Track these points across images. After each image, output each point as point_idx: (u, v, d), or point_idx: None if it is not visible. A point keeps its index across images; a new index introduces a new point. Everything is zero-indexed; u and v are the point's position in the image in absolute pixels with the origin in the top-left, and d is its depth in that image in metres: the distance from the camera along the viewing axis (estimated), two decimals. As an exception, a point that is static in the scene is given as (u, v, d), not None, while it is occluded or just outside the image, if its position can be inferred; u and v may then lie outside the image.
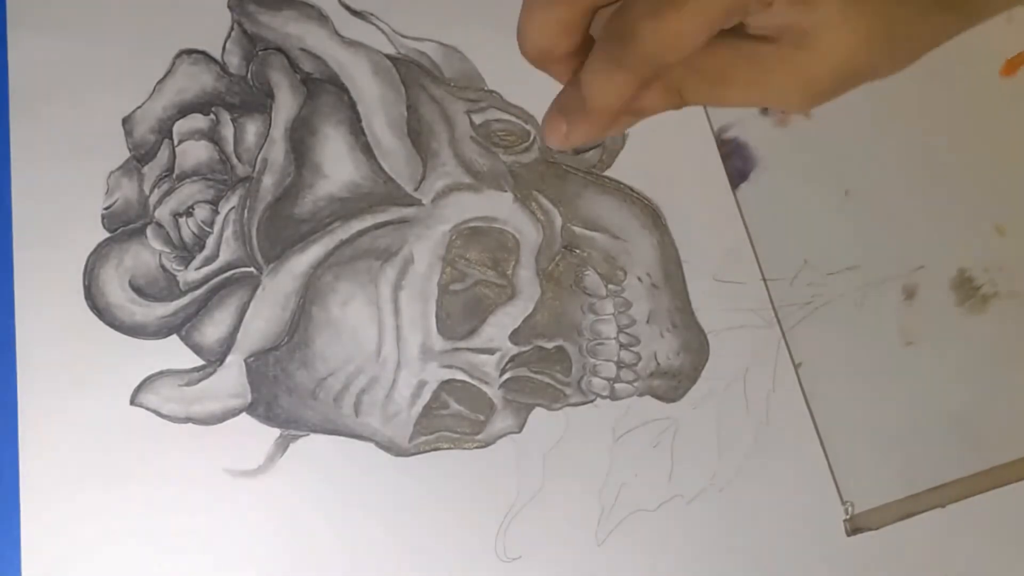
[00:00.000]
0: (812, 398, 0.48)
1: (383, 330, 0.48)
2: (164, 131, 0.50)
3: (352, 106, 0.51)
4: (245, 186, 0.49)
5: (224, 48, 0.51)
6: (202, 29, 0.51)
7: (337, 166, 0.50)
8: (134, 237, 0.49)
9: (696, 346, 0.49)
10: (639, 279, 0.50)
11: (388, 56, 0.52)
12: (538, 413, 0.48)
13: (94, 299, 0.48)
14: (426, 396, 0.47)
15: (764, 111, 0.52)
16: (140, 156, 0.50)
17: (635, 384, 0.48)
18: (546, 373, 0.48)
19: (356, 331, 0.48)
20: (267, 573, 0.45)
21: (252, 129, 0.50)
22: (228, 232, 0.49)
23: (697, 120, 0.52)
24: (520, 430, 0.47)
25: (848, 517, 0.46)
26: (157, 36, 0.51)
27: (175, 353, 0.47)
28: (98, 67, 0.51)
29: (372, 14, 0.52)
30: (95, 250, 0.48)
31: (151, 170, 0.49)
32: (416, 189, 0.50)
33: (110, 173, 0.49)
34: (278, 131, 0.50)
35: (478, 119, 0.51)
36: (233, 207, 0.49)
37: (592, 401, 0.48)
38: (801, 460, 0.47)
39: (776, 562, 0.46)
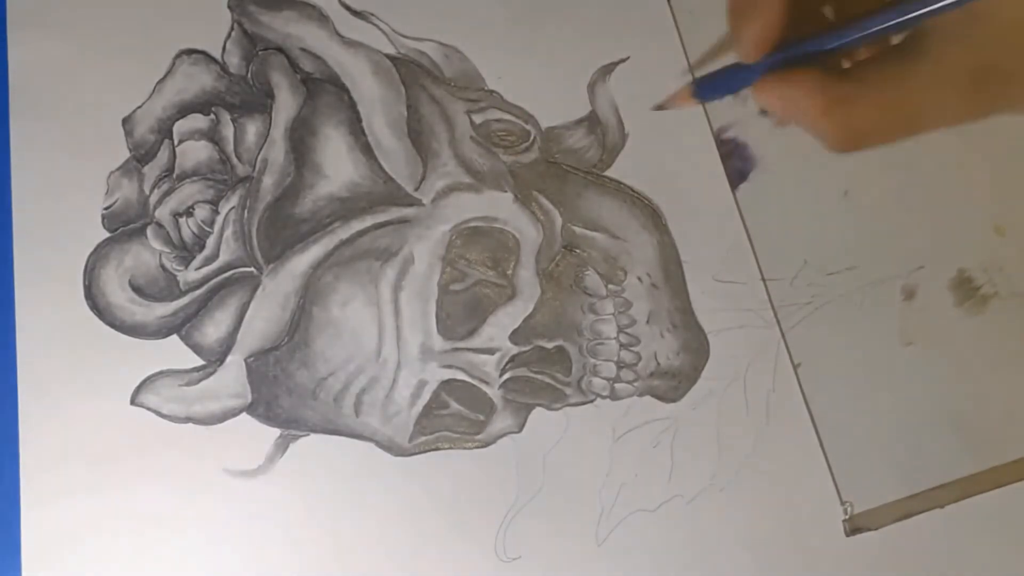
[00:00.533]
0: (812, 398, 0.48)
1: (383, 330, 0.48)
2: (164, 131, 0.50)
3: (352, 106, 0.51)
4: (245, 186, 0.49)
5: (224, 48, 0.51)
6: (202, 29, 0.51)
7: (337, 166, 0.50)
8: (134, 237, 0.49)
9: (696, 346, 0.49)
10: (639, 279, 0.50)
11: (388, 56, 0.52)
12: (538, 413, 0.48)
13: (94, 299, 0.48)
14: (426, 396, 0.47)
15: (763, 111, 0.52)
16: (140, 156, 0.50)
17: (635, 384, 0.48)
18: (546, 373, 0.48)
19: (356, 331, 0.48)
20: (267, 573, 0.45)
21: (252, 129, 0.50)
22: (228, 232, 0.49)
23: (697, 120, 0.52)
24: (520, 430, 0.47)
25: (847, 517, 0.46)
26: (157, 36, 0.51)
27: (175, 353, 0.47)
28: (98, 67, 0.51)
29: (372, 14, 0.52)
30: (95, 250, 0.48)
31: (151, 170, 0.49)
32: (416, 189, 0.50)
33: (110, 173, 0.49)
34: (278, 131, 0.50)
35: (478, 119, 0.51)
36: (233, 207, 0.49)
37: (592, 401, 0.48)
38: (801, 460, 0.47)
39: (776, 562, 0.46)
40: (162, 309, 0.48)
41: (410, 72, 0.52)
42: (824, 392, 0.48)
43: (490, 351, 0.48)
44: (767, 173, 0.51)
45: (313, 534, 0.45)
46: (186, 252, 0.49)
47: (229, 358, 0.47)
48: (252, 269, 0.48)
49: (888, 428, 0.48)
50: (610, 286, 0.49)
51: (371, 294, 0.48)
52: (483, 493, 0.46)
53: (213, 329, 0.48)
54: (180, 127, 0.50)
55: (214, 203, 0.49)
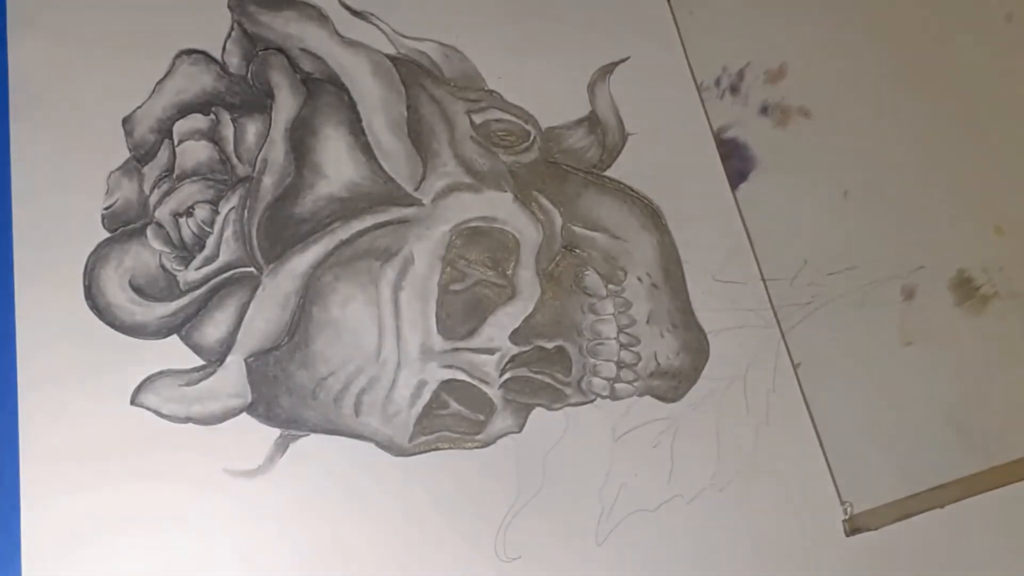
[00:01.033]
0: (811, 398, 0.48)
1: (383, 330, 0.48)
2: (164, 131, 0.50)
3: (352, 106, 0.51)
4: (245, 186, 0.49)
5: (224, 48, 0.51)
6: (202, 29, 0.51)
7: (337, 166, 0.50)
8: (134, 237, 0.49)
9: (696, 346, 0.49)
10: (639, 279, 0.50)
11: (388, 56, 0.52)
12: (538, 413, 0.48)
13: (94, 299, 0.48)
14: (426, 396, 0.47)
15: (763, 111, 0.52)
16: (140, 156, 0.50)
17: (635, 384, 0.48)
18: (546, 373, 0.48)
19: (356, 331, 0.48)
20: (267, 573, 0.45)
21: (252, 129, 0.50)
22: (228, 232, 0.49)
23: (697, 120, 0.52)
24: (520, 430, 0.47)
25: (847, 517, 0.46)
26: (157, 36, 0.51)
27: (175, 353, 0.47)
28: (98, 67, 0.51)
29: (372, 14, 0.52)
30: (95, 250, 0.48)
31: (151, 170, 0.49)
32: (416, 189, 0.50)
33: (110, 173, 0.49)
34: (278, 131, 0.50)
35: (478, 119, 0.51)
36: (233, 207, 0.49)
37: (592, 401, 0.48)
38: (800, 460, 0.47)
39: (775, 562, 0.46)
40: (162, 309, 0.48)
41: (410, 72, 0.52)
42: (824, 392, 0.48)
43: (490, 351, 0.48)
44: (767, 173, 0.51)
45: (313, 534, 0.45)
46: (186, 252, 0.49)
47: (229, 358, 0.47)
48: (252, 269, 0.48)
49: (888, 428, 0.48)
50: (610, 286, 0.49)
51: (371, 294, 0.48)
52: (483, 493, 0.46)
53: (213, 329, 0.48)
54: (180, 127, 0.50)
55: (214, 203, 0.49)
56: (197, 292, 0.48)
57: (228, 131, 0.50)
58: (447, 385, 0.47)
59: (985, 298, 0.49)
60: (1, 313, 0.47)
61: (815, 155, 0.52)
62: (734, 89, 0.52)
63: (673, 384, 0.48)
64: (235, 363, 0.47)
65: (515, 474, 0.47)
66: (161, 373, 0.47)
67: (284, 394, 0.47)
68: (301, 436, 0.46)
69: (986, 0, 0.52)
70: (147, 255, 0.49)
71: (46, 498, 0.45)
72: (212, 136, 0.50)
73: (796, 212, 0.51)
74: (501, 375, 0.48)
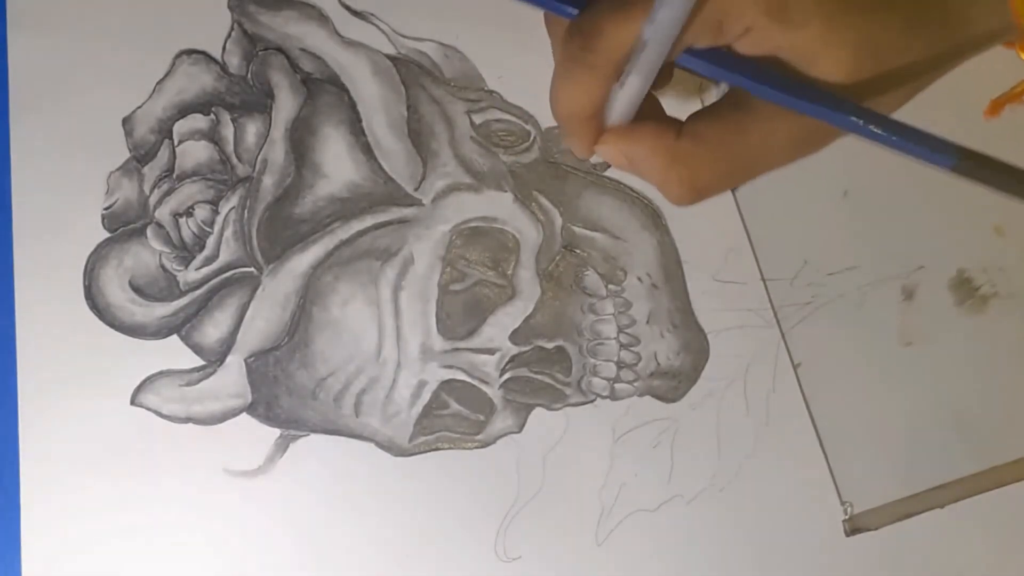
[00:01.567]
0: (811, 398, 0.48)
1: (383, 330, 0.48)
2: (164, 131, 0.50)
3: (352, 106, 0.51)
4: (245, 186, 0.49)
5: (224, 48, 0.51)
6: (202, 29, 0.51)
7: (337, 166, 0.50)
8: (134, 237, 0.49)
9: (696, 346, 0.49)
10: (639, 279, 0.50)
11: (388, 56, 0.52)
12: (538, 413, 0.48)
13: (94, 299, 0.48)
14: (426, 396, 0.47)
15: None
16: (140, 156, 0.50)
17: (635, 384, 0.48)
18: (546, 373, 0.48)
19: (356, 331, 0.48)
20: (267, 573, 0.45)
21: (252, 129, 0.50)
22: (228, 232, 0.49)
23: (697, 120, 0.52)
24: (520, 430, 0.47)
25: (847, 517, 0.47)
26: (157, 36, 0.51)
27: (175, 353, 0.47)
28: (98, 67, 0.51)
29: (372, 14, 0.52)
30: (95, 250, 0.48)
31: (151, 170, 0.49)
32: (416, 189, 0.50)
33: (110, 173, 0.49)
34: (278, 131, 0.50)
35: (478, 119, 0.51)
36: (233, 207, 0.49)
37: (592, 401, 0.48)
38: (800, 460, 0.47)
39: (775, 562, 0.46)
40: (162, 309, 0.48)
41: (410, 72, 0.52)
42: (824, 392, 0.48)
43: (490, 351, 0.48)
44: (767, 173, 0.51)
45: (313, 534, 0.45)
46: (186, 252, 0.49)
47: (229, 358, 0.47)
48: (252, 269, 0.48)
49: (888, 428, 0.48)
50: (610, 286, 0.49)
51: (371, 294, 0.48)
52: (483, 493, 0.46)
53: (213, 329, 0.48)
54: (180, 127, 0.50)
55: (214, 203, 0.49)
56: (197, 292, 0.48)
57: (228, 131, 0.50)
58: (447, 385, 0.47)
59: (985, 298, 0.49)
60: (1, 313, 0.47)
61: (815, 155, 0.52)
62: (734, 89, 0.52)
63: (673, 384, 0.48)
64: (235, 363, 0.47)
65: (515, 474, 0.47)
66: (161, 373, 0.47)
67: (284, 394, 0.47)
68: (301, 436, 0.46)
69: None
70: (147, 255, 0.49)
71: (46, 498, 0.45)
72: (212, 136, 0.50)
73: (796, 212, 0.51)
74: (501, 375, 0.48)
